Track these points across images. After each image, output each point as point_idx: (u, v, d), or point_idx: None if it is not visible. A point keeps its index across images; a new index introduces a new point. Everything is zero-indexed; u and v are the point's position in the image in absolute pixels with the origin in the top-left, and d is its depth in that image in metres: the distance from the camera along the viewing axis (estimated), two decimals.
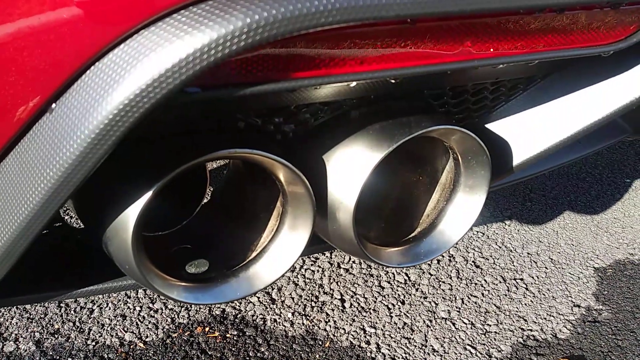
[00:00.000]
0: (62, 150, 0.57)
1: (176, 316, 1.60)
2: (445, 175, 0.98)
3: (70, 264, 0.91)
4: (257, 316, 1.62)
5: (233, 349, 1.52)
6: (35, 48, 0.55)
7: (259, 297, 1.68)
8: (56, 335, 1.51)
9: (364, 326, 1.62)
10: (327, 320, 1.63)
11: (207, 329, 1.57)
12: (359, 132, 0.83)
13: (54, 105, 0.58)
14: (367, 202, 0.99)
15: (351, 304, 1.70)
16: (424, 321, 1.64)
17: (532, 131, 0.98)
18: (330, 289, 1.75)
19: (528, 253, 1.96)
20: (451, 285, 1.79)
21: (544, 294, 1.77)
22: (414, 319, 1.65)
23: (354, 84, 0.76)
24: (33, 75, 0.57)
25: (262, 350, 1.52)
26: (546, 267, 1.90)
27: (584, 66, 0.96)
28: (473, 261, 1.91)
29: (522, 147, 0.99)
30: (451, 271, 1.86)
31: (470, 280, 1.82)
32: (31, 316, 1.56)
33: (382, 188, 1.00)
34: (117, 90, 0.53)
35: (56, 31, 0.53)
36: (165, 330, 1.55)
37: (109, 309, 1.60)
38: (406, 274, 1.83)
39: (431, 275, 1.84)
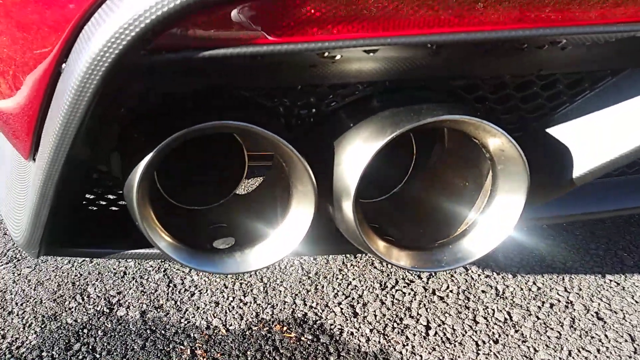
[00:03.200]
0: (64, 100, 0.69)
1: (261, 311, 1.68)
2: (486, 179, 0.89)
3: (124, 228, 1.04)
4: (336, 326, 1.62)
5: (304, 352, 1.53)
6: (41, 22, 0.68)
7: (342, 308, 1.68)
8: (159, 310, 1.70)
9: (443, 357, 1.50)
10: (405, 343, 1.55)
11: (285, 328, 1.61)
12: (369, 118, 0.81)
13: (63, 65, 0.70)
14: (397, 201, 0.95)
15: (436, 332, 1.58)
16: None
17: (599, 138, 0.84)
18: (418, 313, 1.66)
19: None
20: (560, 334, 1.56)
21: None
22: None
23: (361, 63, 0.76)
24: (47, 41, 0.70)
25: (331, 359, 1.50)
26: None
27: None
28: (596, 312, 1.64)
29: (585, 156, 0.85)
30: (565, 318, 1.62)
31: (586, 332, 1.56)
32: (144, 290, 1.78)
33: (416, 189, 0.94)
34: (92, 41, 0.63)
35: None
36: (247, 322, 1.64)
37: (207, 294, 1.75)
38: (508, 313, 1.65)
39: (538, 318, 1.62)
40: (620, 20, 0.65)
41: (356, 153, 0.80)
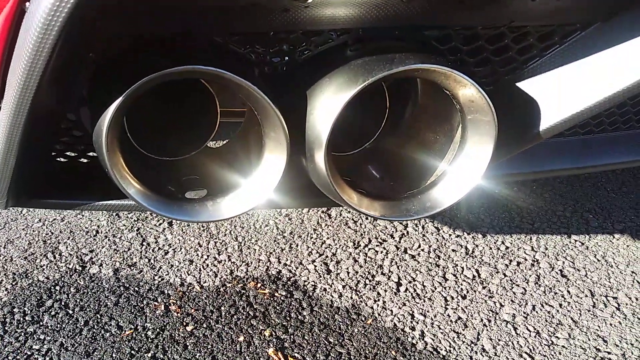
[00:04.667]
0: (28, 39, 0.67)
1: (236, 269, 1.69)
2: (456, 132, 0.90)
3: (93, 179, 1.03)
4: (309, 282, 1.64)
5: (277, 307, 1.56)
6: None
7: (315, 266, 1.70)
8: (132, 268, 1.70)
9: (413, 312, 1.54)
10: (376, 299, 1.59)
11: (259, 285, 1.63)
12: (342, 67, 0.81)
13: (27, 4, 0.68)
14: (370, 155, 0.96)
15: (406, 289, 1.62)
16: (482, 319, 1.51)
17: (565, 91, 0.86)
18: (390, 270, 1.70)
19: (632, 272, 1.68)
20: (525, 290, 1.62)
21: (639, 318, 1.50)
22: (471, 316, 1.52)
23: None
24: None
25: (304, 314, 1.53)
26: None
27: (634, 15, 0.81)
28: (560, 270, 1.70)
29: (551, 109, 0.87)
30: (530, 276, 1.67)
31: (550, 288, 1.62)
32: (117, 248, 1.78)
33: (389, 143, 0.95)
34: None
35: None
36: (222, 279, 1.65)
37: (181, 253, 1.76)
38: (477, 271, 1.69)
39: (505, 275, 1.67)
40: None
41: (328, 102, 0.80)
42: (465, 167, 0.87)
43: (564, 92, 0.86)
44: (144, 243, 1.81)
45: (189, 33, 0.78)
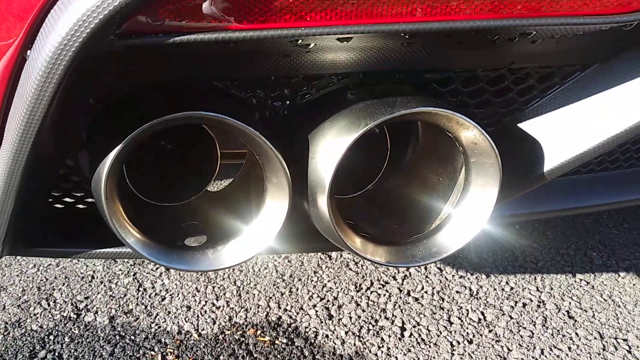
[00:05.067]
0: (28, 86, 0.66)
1: (234, 315, 1.65)
2: (460, 173, 0.89)
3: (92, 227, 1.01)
4: (311, 329, 1.60)
5: (278, 355, 1.51)
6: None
7: (317, 311, 1.66)
8: (128, 315, 1.65)
9: (419, 358, 1.49)
10: (380, 345, 1.54)
11: (259, 332, 1.59)
12: (343, 111, 0.81)
13: (28, 52, 0.68)
14: (372, 197, 0.95)
15: (411, 334, 1.58)
16: None
17: (567, 132, 0.85)
18: (393, 315, 1.65)
19: None
20: (532, 333, 1.57)
21: None
22: None
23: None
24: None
25: None
26: None
27: (632, 56, 0.81)
28: (567, 311, 1.66)
29: (554, 150, 0.86)
30: (537, 317, 1.63)
31: (558, 330, 1.58)
32: (113, 294, 1.73)
33: (391, 185, 0.94)
34: (58, 25, 0.60)
35: None
36: (220, 326, 1.61)
37: (179, 298, 1.72)
38: (482, 313, 1.66)
39: (511, 318, 1.63)
40: (586, 12, 0.66)
41: (331, 146, 0.79)
42: (470, 211, 0.85)
43: (565, 133, 0.86)
44: (140, 288, 1.77)
45: (189, 79, 0.78)
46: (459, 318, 1.63)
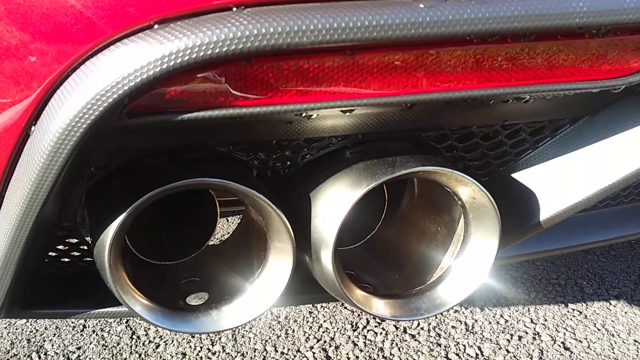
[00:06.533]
0: (33, 163, 0.67)
1: None
2: (458, 224, 0.91)
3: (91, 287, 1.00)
4: None
5: None
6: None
7: (314, 353, 1.65)
8: None
9: None
10: None
11: None
12: (344, 170, 0.82)
13: (32, 128, 0.68)
14: (371, 248, 0.96)
15: None
16: None
17: (562, 182, 0.88)
18: (391, 353, 1.65)
19: (635, 341, 1.67)
20: None
21: None
22: None
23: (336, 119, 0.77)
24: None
25: None
26: None
27: (619, 109, 0.84)
28: (562, 342, 1.67)
29: (549, 199, 0.89)
30: (533, 350, 1.64)
31: None
32: (106, 344, 1.70)
33: (389, 235, 0.95)
34: (66, 106, 0.61)
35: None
36: None
37: (173, 345, 1.69)
38: (479, 348, 1.66)
39: (508, 352, 1.64)
40: (577, 79, 0.69)
41: (333, 205, 0.81)
42: (471, 262, 0.87)
43: (560, 183, 0.88)
44: (133, 336, 1.74)
45: (192, 145, 0.79)
46: (457, 354, 1.64)
